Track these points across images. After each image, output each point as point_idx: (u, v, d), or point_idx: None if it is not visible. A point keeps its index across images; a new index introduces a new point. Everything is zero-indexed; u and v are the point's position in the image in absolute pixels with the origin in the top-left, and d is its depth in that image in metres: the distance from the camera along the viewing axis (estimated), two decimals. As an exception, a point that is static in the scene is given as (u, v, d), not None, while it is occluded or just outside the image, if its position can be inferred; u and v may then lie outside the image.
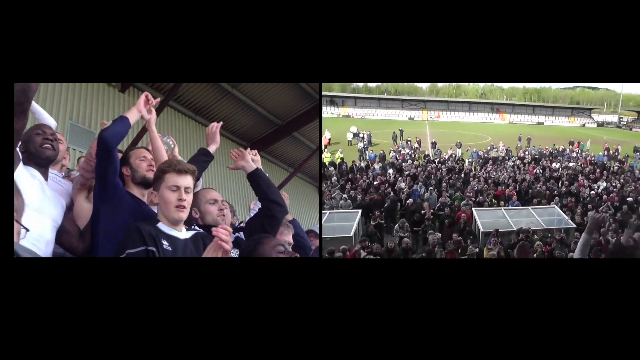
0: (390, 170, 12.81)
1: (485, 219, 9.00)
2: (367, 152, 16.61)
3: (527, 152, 17.97)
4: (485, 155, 16.55)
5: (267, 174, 2.98)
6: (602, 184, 12.55)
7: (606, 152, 19.62)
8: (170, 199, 2.20)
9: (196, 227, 2.56)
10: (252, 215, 3.41)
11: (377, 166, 13.64)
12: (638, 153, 20.50)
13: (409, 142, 18.80)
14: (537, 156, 17.07)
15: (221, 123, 3.06)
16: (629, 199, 10.76)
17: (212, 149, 2.99)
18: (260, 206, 2.91)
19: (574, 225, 8.79)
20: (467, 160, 15.89)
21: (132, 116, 2.52)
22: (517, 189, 11.34)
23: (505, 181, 11.96)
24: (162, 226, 2.22)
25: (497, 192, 11.03)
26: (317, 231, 4.64)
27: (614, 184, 12.46)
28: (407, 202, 9.82)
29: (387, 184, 11.12)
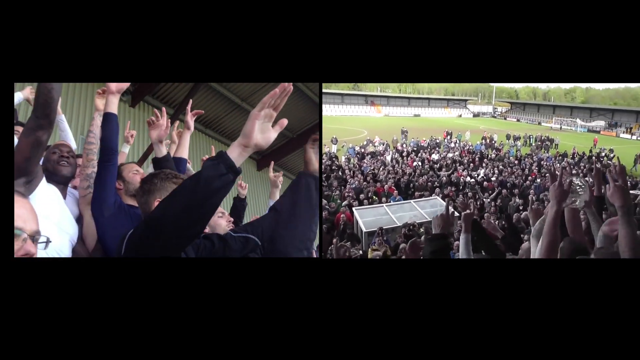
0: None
1: (367, 217, 9.37)
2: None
3: (405, 145, 19.34)
4: (362, 151, 17.47)
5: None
6: (482, 172, 14.08)
7: (483, 141, 22.07)
8: None
9: None
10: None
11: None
12: (510, 140, 23.55)
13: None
14: (415, 149, 18.48)
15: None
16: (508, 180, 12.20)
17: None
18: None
19: (457, 214, 9.60)
20: (343, 157, 16.60)
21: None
22: (398, 182, 12.12)
23: (384, 177, 12.71)
24: None
25: (377, 189, 11.67)
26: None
27: (492, 171, 14.08)
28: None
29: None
